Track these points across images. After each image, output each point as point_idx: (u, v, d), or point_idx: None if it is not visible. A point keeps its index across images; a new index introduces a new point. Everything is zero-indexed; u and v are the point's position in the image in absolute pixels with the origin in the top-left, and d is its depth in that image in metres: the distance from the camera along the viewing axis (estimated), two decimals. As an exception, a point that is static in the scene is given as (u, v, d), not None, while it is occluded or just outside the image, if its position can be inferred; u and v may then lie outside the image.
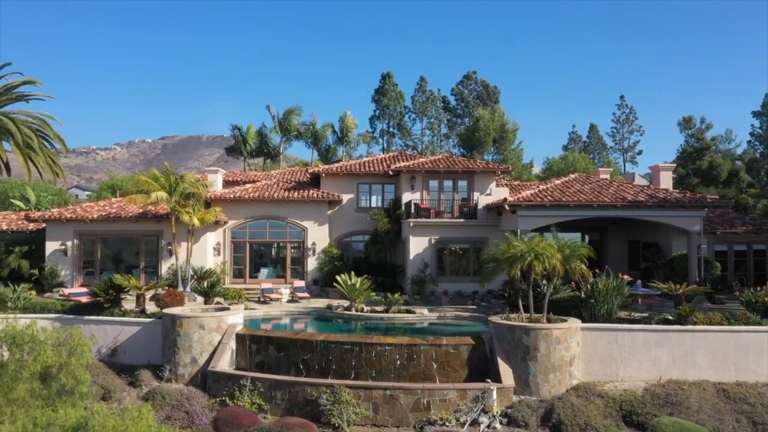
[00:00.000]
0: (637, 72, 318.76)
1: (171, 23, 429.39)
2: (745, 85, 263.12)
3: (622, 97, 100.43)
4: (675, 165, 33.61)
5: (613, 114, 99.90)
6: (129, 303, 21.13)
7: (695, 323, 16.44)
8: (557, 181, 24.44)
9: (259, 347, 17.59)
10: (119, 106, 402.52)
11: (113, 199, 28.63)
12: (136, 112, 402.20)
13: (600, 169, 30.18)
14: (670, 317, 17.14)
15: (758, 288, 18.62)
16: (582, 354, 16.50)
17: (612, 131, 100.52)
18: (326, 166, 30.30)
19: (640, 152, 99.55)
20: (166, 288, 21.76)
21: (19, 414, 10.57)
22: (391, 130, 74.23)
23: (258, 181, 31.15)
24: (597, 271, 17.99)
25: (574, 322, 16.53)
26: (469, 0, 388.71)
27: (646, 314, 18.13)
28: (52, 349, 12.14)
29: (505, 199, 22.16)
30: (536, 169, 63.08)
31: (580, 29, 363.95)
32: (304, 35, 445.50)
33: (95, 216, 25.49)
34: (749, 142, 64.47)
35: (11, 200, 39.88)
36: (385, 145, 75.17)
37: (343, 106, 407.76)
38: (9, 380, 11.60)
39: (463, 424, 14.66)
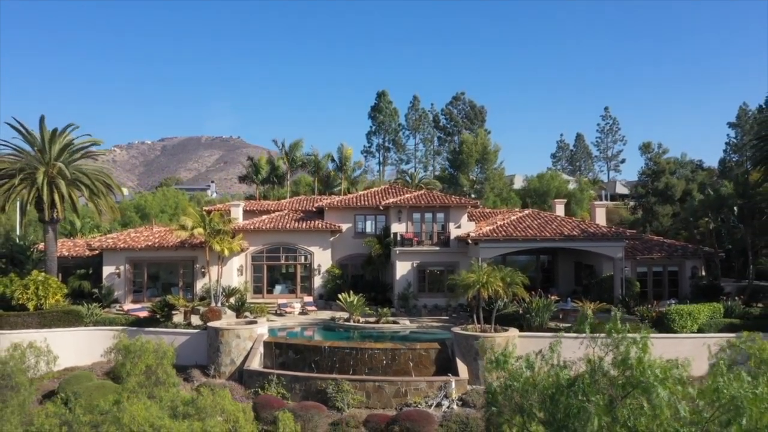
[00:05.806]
0: (624, 79, 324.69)
1: (169, 24, 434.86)
2: (724, 95, 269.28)
3: (606, 108, 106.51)
4: (607, 203, 40.00)
5: (598, 125, 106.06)
6: (176, 317, 27.15)
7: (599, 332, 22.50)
8: (513, 217, 30.49)
9: (281, 351, 23.70)
10: (118, 108, 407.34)
11: (155, 229, 34.68)
12: (135, 113, 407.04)
13: (556, 200, 36.33)
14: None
15: (649, 305, 24.73)
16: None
17: (597, 141, 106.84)
18: (329, 200, 36.31)
19: (623, 161, 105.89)
20: (208, 306, 27.81)
21: (132, 398, 16.49)
22: (386, 144, 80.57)
23: (271, 210, 37.16)
24: (533, 292, 24.10)
25: (513, 332, 22.60)
26: (465, 2, 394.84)
27: (570, 325, 24.23)
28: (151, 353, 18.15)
29: (469, 234, 28.27)
30: (517, 184, 69.04)
31: (573, 31, 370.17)
32: (304, 36, 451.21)
33: (143, 245, 31.54)
34: (725, 151, 70.24)
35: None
36: (381, 159, 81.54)
37: (343, 105, 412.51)
38: (125, 376, 17.68)
39: (430, 406, 20.70)
